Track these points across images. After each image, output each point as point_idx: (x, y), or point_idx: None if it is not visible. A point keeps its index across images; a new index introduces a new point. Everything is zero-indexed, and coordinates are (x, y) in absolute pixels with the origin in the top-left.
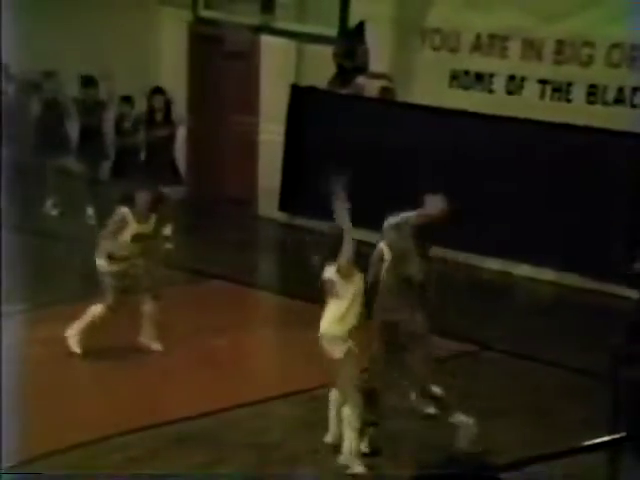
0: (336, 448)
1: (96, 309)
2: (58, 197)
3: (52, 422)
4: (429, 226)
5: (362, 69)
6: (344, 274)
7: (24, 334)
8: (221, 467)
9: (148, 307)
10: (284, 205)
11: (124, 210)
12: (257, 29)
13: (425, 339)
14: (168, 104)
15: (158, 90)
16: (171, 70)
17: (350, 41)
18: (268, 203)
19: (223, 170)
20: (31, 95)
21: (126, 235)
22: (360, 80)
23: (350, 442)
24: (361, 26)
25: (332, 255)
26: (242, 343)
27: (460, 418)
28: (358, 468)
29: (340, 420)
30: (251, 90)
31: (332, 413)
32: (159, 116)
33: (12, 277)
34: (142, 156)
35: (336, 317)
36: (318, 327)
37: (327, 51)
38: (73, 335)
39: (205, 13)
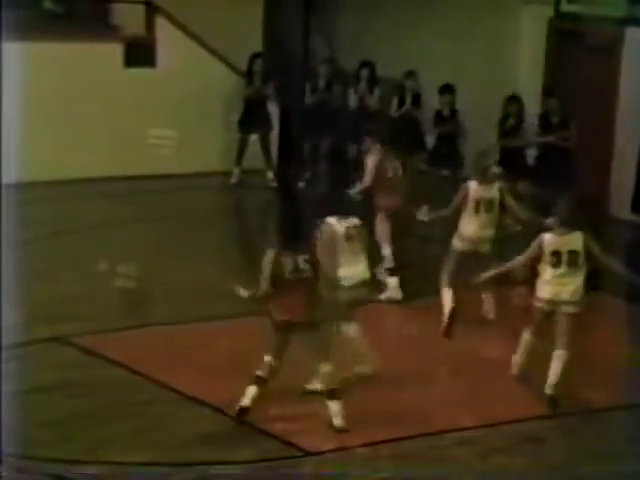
0: None
1: None
2: None
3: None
4: None
5: None
6: None
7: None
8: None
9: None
10: (638, 206)
11: None
12: (622, 22)
13: None
14: (521, 111)
15: (513, 98)
16: (529, 68)
17: None
18: (621, 204)
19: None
20: (393, 95)
21: None
22: None
23: None
24: None
25: None
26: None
27: None
28: None
29: None
30: (610, 86)
31: None
32: (511, 122)
33: None
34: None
35: None
36: None
37: None
38: None
39: (568, 8)
